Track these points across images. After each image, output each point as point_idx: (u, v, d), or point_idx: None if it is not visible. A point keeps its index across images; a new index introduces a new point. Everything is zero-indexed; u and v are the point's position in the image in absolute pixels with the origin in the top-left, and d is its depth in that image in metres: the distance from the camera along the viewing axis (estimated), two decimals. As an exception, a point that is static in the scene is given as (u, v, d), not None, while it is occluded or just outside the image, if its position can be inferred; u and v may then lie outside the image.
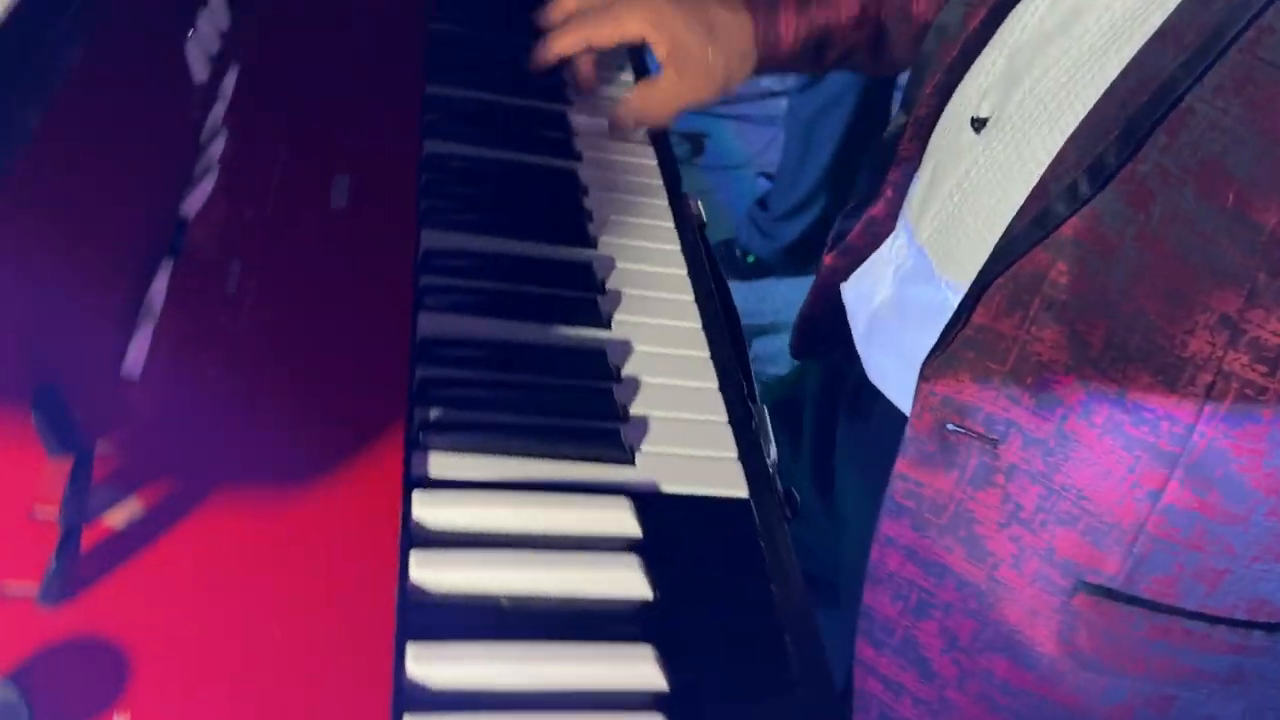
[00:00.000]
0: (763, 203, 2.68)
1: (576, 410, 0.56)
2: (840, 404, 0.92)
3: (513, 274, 0.64)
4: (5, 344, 0.46)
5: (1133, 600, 0.61)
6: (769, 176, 2.94)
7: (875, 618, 0.71)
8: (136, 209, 0.56)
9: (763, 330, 2.45)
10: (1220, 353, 0.53)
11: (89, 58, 0.58)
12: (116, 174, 0.57)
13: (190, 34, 0.68)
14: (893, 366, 0.76)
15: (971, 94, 0.70)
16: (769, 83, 3.45)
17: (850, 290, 0.82)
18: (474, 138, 0.76)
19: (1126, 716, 0.65)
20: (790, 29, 0.83)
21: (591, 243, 0.71)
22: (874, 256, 0.80)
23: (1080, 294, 0.57)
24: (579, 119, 0.83)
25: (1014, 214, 0.61)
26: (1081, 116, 0.57)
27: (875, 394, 0.79)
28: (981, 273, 0.61)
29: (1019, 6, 0.67)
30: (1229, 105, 0.50)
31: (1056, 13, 0.63)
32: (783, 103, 3.31)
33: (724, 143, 3.11)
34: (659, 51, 0.82)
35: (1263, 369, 0.52)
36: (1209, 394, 0.54)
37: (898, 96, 2.63)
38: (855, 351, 0.80)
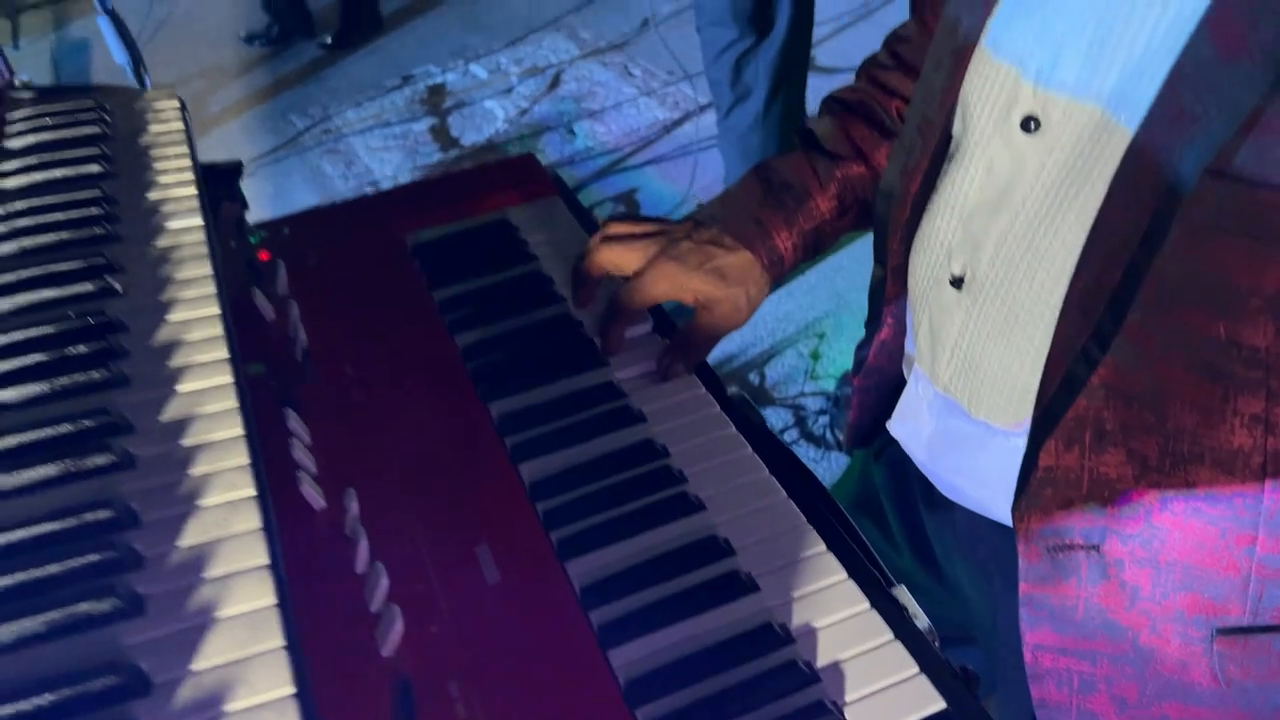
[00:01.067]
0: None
1: (778, 690, 0.65)
2: (915, 495, 1.02)
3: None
4: None
5: (1266, 629, 0.71)
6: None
7: (1048, 704, 0.81)
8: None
9: (768, 356, 2.55)
10: (1261, 440, 0.63)
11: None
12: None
13: (300, 475, 0.77)
14: (963, 483, 0.86)
15: (937, 251, 0.79)
16: (665, 114, 3.56)
17: (897, 427, 0.92)
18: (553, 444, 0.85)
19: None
20: (787, 244, 0.94)
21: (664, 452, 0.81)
22: (906, 394, 0.90)
23: (1125, 423, 0.67)
24: (623, 373, 0.92)
25: (1024, 373, 0.71)
26: (1055, 276, 0.67)
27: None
28: (1032, 434, 0.71)
29: (953, 174, 0.77)
30: (1193, 253, 0.60)
31: (992, 184, 0.73)
32: (688, 129, 3.42)
33: (653, 190, 3.21)
34: (686, 301, 0.92)
35: None
36: (1265, 471, 0.64)
37: (814, 95, 2.72)
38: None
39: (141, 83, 2.24)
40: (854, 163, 0.98)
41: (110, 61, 4.63)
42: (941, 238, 0.79)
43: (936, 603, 1.01)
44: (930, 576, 1.04)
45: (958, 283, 0.77)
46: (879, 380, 0.97)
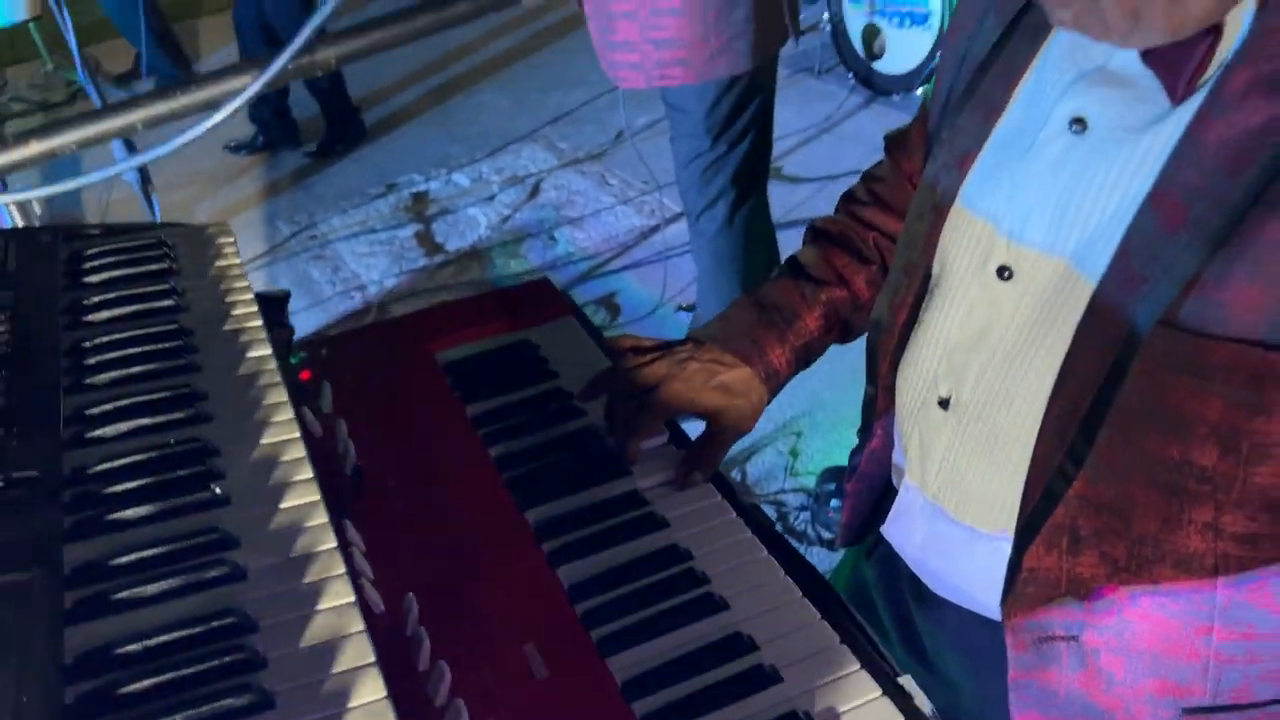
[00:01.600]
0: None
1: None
2: (905, 591, 1.11)
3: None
4: None
5: (1226, 708, 0.81)
6: (687, 308, 3.18)
7: (1040, 773, 0.90)
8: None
9: (749, 454, 2.66)
10: (1213, 544, 0.74)
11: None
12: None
13: (361, 582, 0.85)
14: (953, 582, 0.96)
15: (925, 376, 0.91)
16: (641, 221, 3.72)
17: (890, 530, 1.02)
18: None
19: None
20: (781, 360, 1.05)
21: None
22: (899, 501, 1.00)
23: (1097, 530, 0.77)
24: (645, 482, 1.02)
25: (1005, 485, 0.82)
26: (1031, 403, 0.79)
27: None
28: (1016, 540, 0.81)
29: (936, 311, 0.88)
30: (1150, 389, 0.71)
31: (972, 323, 0.85)
32: (663, 236, 3.57)
33: (632, 293, 3.34)
34: (696, 415, 1.03)
35: (1246, 547, 0.73)
36: (1216, 570, 0.75)
37: (780, 202, 2.85)
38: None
39: (149, 201, 2.34)
40: (836, 287, 1.10)
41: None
42: (928, 365, 0.90)
43: (928, 691, 1.10)
44: (921, 666, 1.13)
45: (945, 403, 0.88)
46: (870, 485, 1.07)
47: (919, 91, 4.12)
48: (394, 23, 0.62)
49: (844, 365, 1.11)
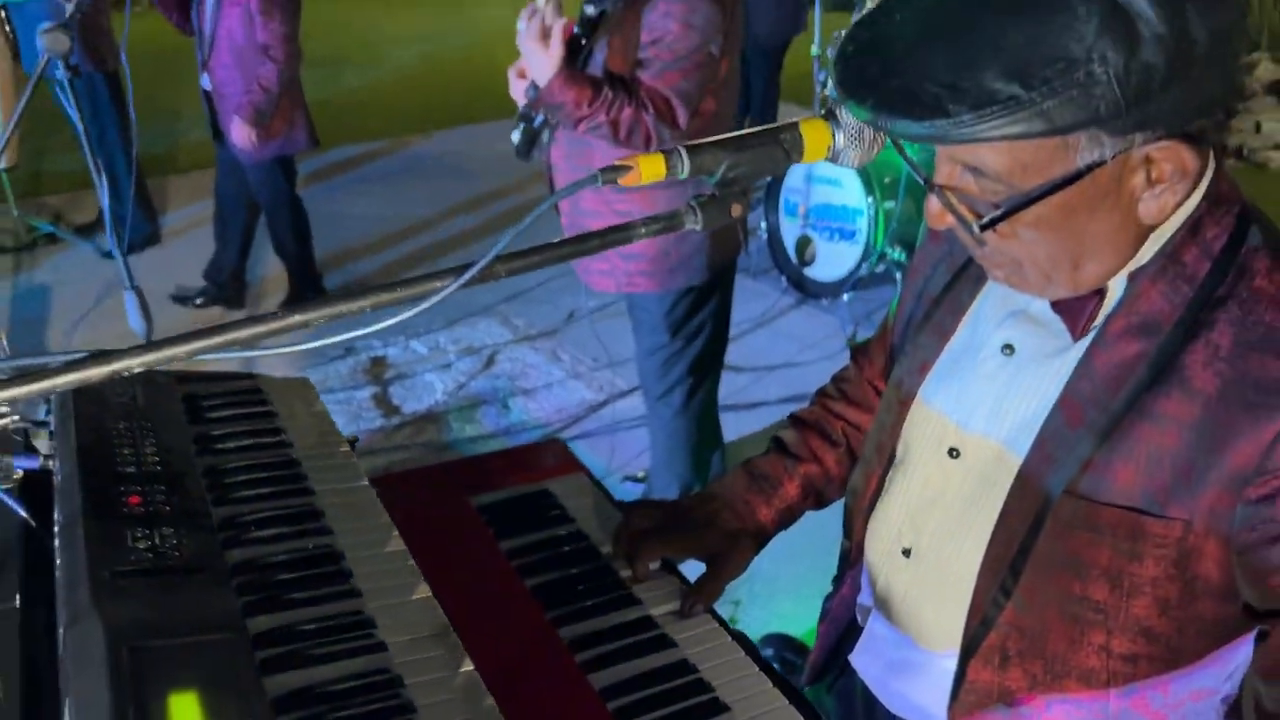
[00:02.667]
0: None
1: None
2: (861, 718, 1.33)
3: None
4: None
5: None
6: (636, 478, 3.41)
7: None
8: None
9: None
10: (1106, 662, 0.99)
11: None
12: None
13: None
14: (909, 698, 1.19)
15: (891, 530, 1.16)
16: (591, 394, 3.99)
17: (858, 659, 1.25)
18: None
19: None
20: (767, 518, 1.31)
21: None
22: (866, 634, 1.24)
23: (1020, 650, 1.02)
24: (654, 610, 1.23)
25: (953, 614, 1.07)
26: (973, 551, 1.04)
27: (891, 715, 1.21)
28: (961, 658, 1.05)
29: (900, 481, 1.15)
30: (1059, 540, 0.98)
31: (928, 491, 1.11)
32: (611, 410, 3.84)
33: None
34: (699, 559, 1.26)
35: (1129, 665, 0.98)
36: (1108, 683, 0.99)
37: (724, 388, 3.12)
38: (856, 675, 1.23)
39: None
40: (812, 464, 1.36)
41: (67, 307, 4.87)
42: (893, 523, 1.16)
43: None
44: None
45: (907, 552, 1.13)
46: (837, 625, 1.31)
47: (845, 298, 4.55)
48: (554, 248, 0.87)
49: (781, 542, 1.38)
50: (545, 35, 2.19)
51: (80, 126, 2.36)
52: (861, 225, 4.37)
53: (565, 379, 4.13)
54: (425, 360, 4.31)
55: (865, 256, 4.39)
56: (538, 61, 2.21)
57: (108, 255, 5.39)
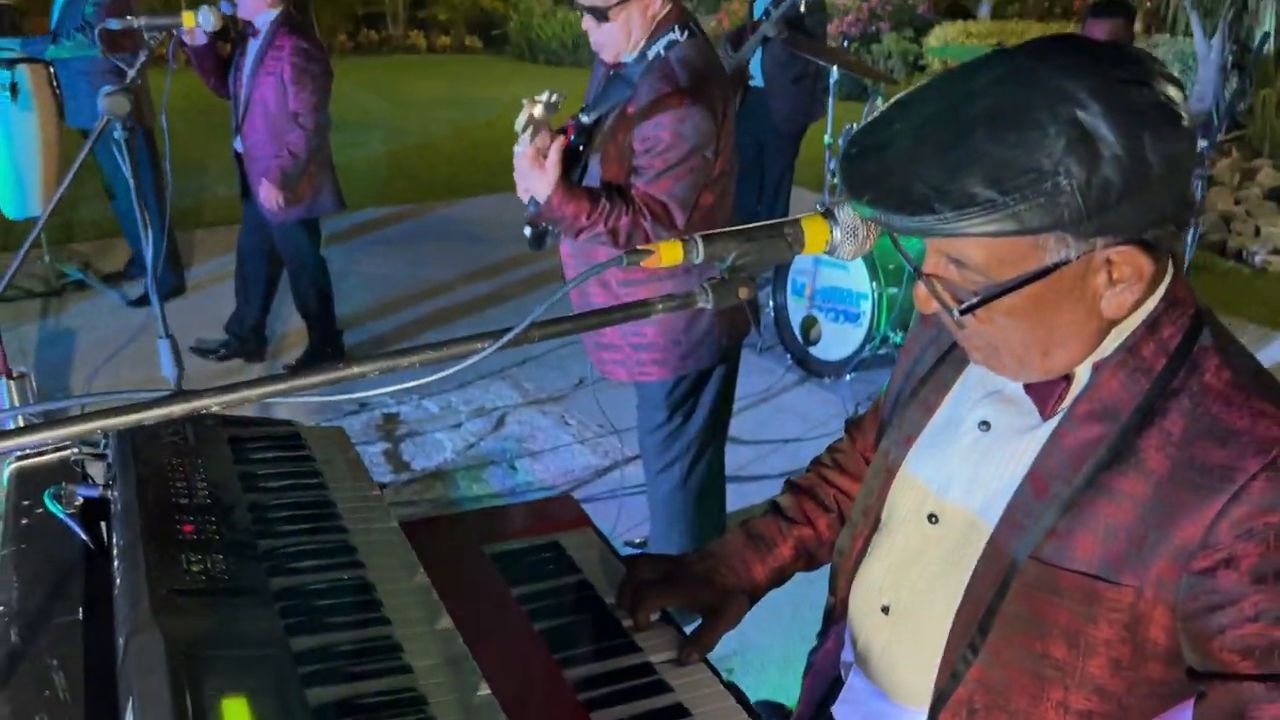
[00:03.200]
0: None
1: None
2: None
3: None
4: None
5: None
6: (635, 545, 3.49)
7: None
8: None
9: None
10: (1063, 715, 1.07)
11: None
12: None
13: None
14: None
15: (873, 588, 1.26)
16: (596, 460, 4.08)
17: (839, 710, 1.34)
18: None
19: None
20: (761, 576, 1.41)
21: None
22: (847, 687, 1.32)
23: (986, 704, 1.11)
24: (653, 657, 1.33)
25: (926, 670, 1.16)
26: (946, 609, 1.14)
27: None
28: (930, 712, 1.14)
29: (883, 543, 1.25)
30: (1023, 602, 1.07)
31: (909, 552, 1.21)
32: (616, 476, 3.93)
33: (584, 526, 3.64)
34: (695, 611, 1.35)
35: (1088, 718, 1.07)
36: None
37: (729, 452, 3.21)
38: None
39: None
40: (805, 526, 1.46)
41: (91, 353, 5.00)
42: (875, 581, 1.26)
43: None
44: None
45: (886, 610, 1.23)
46: (822, 679, 1.40)
47: (847, 377, 4.67)
48: (580, 319, 0.98)
49: (767, 611, 1.47)
50: (541, 156, 2.30)
51: (132, 182, 2.51)
52: (865, 309, 4.50)
53: (572, 443, 4.23)
54: (437, 419, 4.42)
55: (868, 339, 4.52)
56: (535, 181, 2.32)
57: (133, 303, 5.54)
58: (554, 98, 2.27)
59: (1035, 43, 1.01)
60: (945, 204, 0.94)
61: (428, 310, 5.71)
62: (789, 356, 4.91)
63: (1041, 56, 0.98)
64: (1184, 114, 0.97)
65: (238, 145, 4.48)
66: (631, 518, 3.63)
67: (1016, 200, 0.92)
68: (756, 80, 6.05)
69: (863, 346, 4.55)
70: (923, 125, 1.00)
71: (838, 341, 4.69)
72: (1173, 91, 0.96)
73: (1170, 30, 10.44)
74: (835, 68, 5.29)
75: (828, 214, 1.03)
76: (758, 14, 6.10)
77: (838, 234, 1.03)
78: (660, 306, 0.99)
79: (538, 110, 2.25)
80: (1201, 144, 8.31)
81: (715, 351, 2.73)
